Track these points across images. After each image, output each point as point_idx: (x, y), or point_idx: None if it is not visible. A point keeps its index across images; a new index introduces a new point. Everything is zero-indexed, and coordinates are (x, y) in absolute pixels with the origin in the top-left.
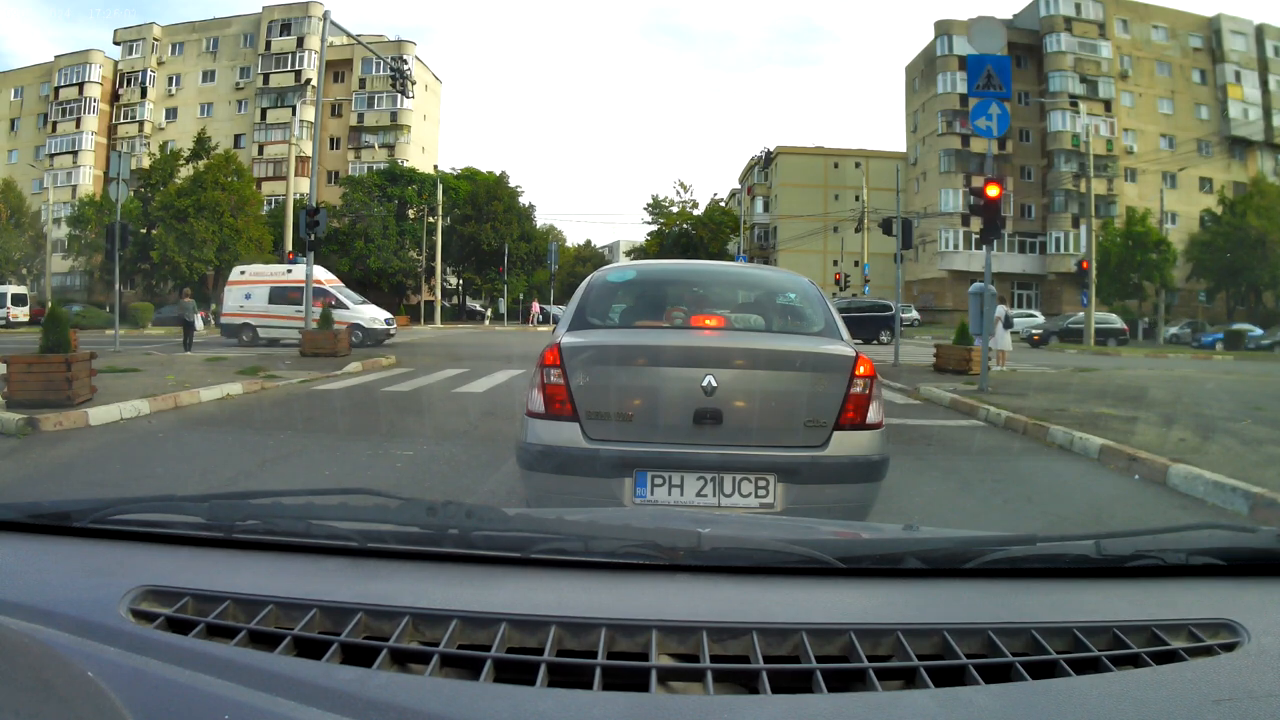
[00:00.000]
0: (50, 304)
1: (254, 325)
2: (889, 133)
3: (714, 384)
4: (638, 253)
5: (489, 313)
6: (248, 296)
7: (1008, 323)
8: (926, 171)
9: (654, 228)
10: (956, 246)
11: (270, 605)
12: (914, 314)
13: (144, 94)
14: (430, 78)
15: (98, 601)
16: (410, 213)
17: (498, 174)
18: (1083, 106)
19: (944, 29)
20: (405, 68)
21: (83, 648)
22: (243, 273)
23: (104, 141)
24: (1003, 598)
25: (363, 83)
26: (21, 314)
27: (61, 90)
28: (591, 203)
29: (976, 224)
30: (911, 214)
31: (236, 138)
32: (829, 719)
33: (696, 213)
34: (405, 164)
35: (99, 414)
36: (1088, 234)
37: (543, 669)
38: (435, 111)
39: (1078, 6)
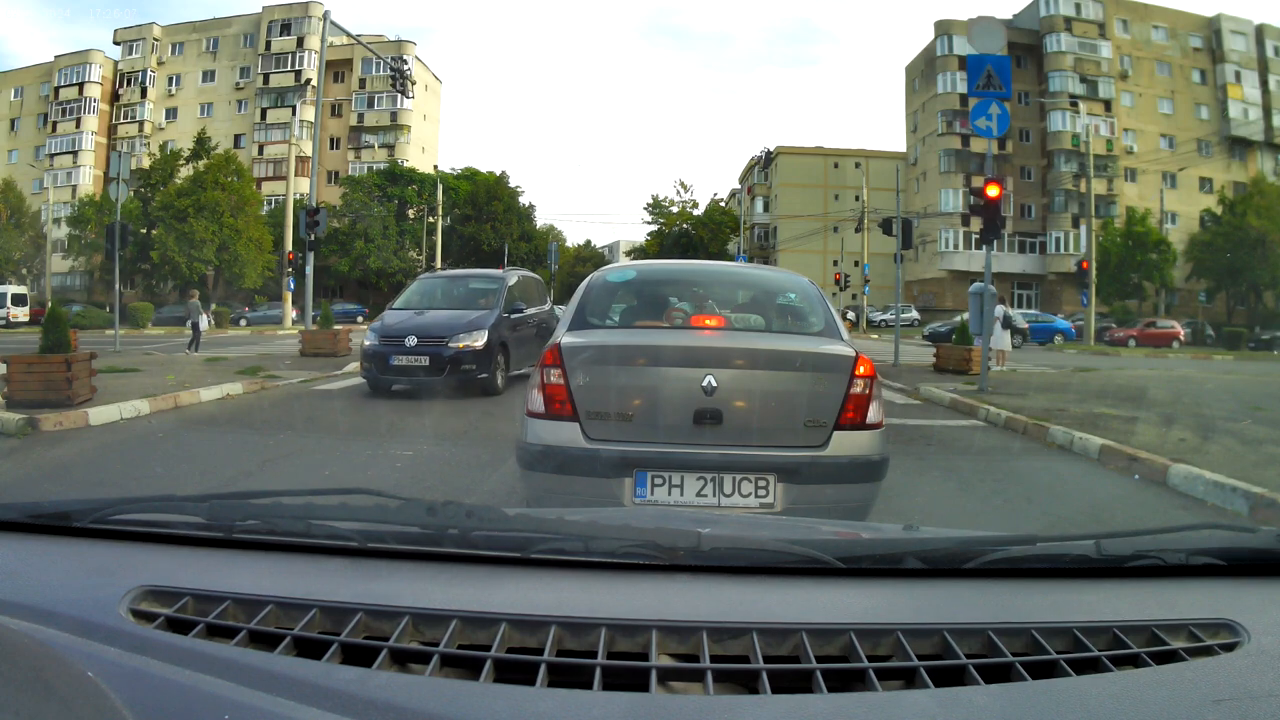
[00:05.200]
0: (50, 304)
1: None
2: (889, 133)
3: (714, 384)
4: (638, 253)
5: None
6: None
7: (1006, 323)
8: (926, 171)
9: (654, 228)
10: (956, 246)
11: (270, 605)
12: (914, 314)
13: (144, 94)
14: (430, 78)
15: (98, 601)
16: (410, 213)
17: (498, 174)
18: (1083, 106)
19: (944, 29)
20: (405, 68)
21: (83, 648)
22: None
23: (104, 141)
24: (1003, 598)
25: (363, 83)
26: (21, 314)
27: (61, 90)
28: (591, 203)
29: (976, 224)
30: (911, 214)
31: (236, 138)
32: (829, 719)
33: (696, 213)
34: (405, 164)
35: (99, 414)
36: (1088, 234)
37: (543, 669)
38: (435, 111)
39: (1078, 6)
